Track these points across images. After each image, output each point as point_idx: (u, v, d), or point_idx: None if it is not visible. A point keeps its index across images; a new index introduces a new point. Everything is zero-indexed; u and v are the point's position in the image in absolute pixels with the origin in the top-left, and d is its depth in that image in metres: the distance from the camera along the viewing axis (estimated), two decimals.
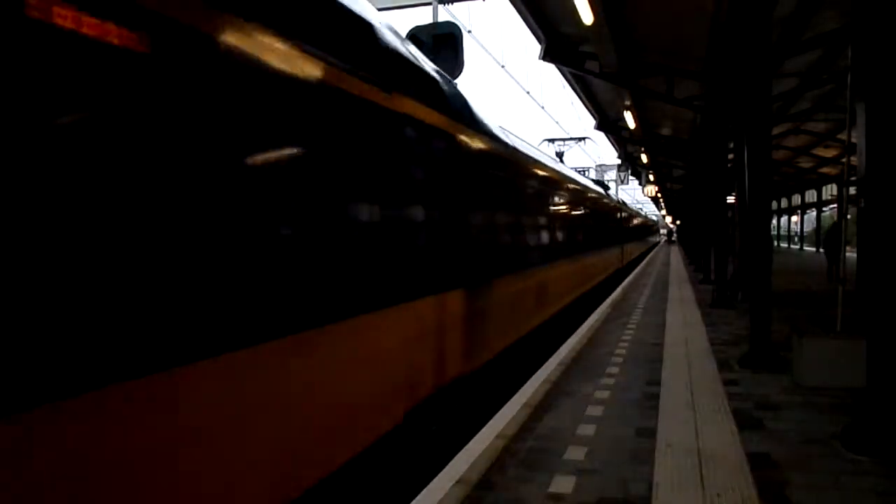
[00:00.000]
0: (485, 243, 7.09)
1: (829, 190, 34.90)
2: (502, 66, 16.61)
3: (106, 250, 2.21)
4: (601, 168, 46.73)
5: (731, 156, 15.65)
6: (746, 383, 6.92)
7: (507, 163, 8.25)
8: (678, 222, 52.16)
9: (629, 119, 14.50)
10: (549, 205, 11.55)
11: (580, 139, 32.04)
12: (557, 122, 39.86)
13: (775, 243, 41.45)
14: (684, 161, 21.83)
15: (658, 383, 6.95)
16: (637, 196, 70.52)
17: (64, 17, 2.06)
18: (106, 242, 2.21)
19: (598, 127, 19.22)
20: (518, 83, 18.67)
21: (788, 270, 21.44)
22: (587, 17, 7.25)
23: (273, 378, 3.14)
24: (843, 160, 6.14)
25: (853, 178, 5.69)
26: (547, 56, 10.92)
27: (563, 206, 13.12)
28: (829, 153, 23.35)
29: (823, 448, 4.83)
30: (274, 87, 3.19)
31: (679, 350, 8.90)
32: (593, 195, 18.33)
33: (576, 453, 4.81)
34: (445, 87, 6.13)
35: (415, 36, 7.26)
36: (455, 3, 13.51)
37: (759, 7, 7.08)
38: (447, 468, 4.54)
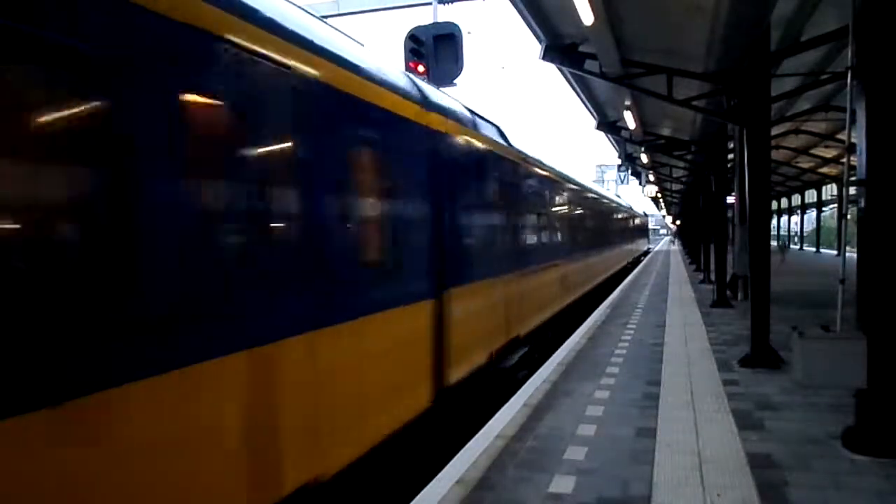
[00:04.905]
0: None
1: (830, 190, 34.87)
2: (502, 68, 16.60)
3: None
4: (601, 168, 46.35)
5: (730, 156, 15.66)
6: (746, 383, 6.92)
7: None
8: (678, 222, 52.12)
9: (629, 119, 14.46)
10: None
11: None
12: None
13: (775, 243, 41.45)
14: (684, 161, 21.77)
15: (658, 383, 6.95)
16: (637, 196, 70.59)
17: None
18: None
19: (599, 127, 19.15)
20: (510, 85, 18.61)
21: (793, 270, 21.44)
22: (587, 17, 7.23)
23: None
24: (843, 160, 6.13)
25: (853, 178, 5.69)
26: (547, 56, 10.89)
27: None
28: (829, 153, 23.32)
29: (823, 448, 4.83)
30: None
31: (679, 350, 8.90)
32: None
33: (576, 453, 4.81)
34: None
35: (415, 36, 7.26)
36: (455, 3, 13.48)
37: (758, 7, 7.07)
38: (447, 468, 4.54)
